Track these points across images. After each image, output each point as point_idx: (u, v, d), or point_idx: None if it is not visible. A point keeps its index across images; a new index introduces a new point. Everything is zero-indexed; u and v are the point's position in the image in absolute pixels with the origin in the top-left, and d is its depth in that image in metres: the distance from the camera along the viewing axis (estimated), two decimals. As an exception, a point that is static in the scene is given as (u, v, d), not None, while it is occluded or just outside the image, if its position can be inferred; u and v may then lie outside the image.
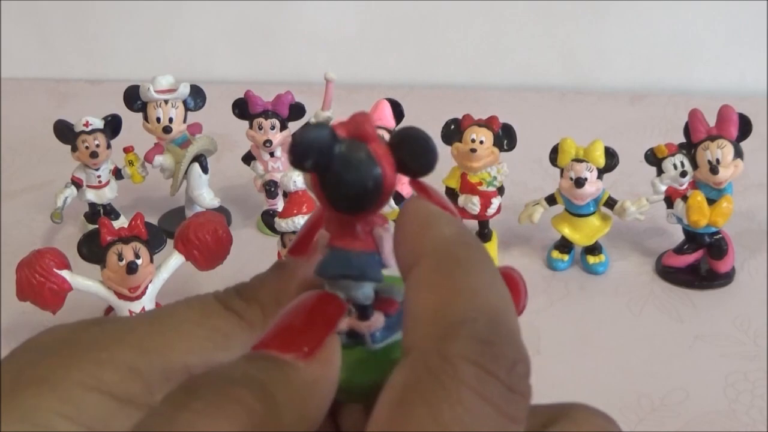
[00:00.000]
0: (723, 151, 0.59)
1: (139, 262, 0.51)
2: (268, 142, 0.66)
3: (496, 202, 0.64)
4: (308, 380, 0.19)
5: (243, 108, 0.67)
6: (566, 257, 0.64)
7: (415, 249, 0.19)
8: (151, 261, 0.53)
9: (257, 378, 0.18)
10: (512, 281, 0.23)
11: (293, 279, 0.22)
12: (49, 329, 0.22)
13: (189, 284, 0.62)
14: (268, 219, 0.53)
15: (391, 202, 0.65)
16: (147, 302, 0.54)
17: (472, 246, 0.19)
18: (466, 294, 0.18)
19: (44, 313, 0.53)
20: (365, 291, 0.23)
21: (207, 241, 0.53)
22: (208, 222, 0.54)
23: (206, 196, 0.70)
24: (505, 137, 0.63)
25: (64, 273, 0.52)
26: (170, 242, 0.64)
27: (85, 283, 0.53)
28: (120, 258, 0.51)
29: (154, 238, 0.57)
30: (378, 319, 0.24)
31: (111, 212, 0.70)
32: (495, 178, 0.63)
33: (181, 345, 0.21)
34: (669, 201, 0.62)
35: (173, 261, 0.54)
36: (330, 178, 0.20)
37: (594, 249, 0.64)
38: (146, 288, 0.54)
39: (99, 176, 0.67)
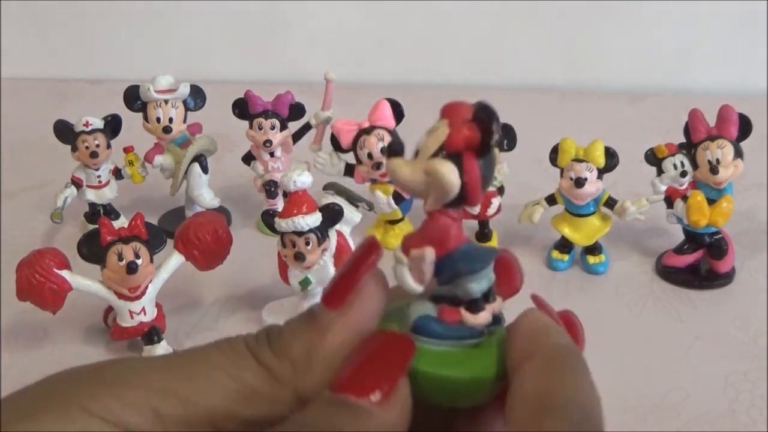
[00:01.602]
0: (723, 151, 0.59)
1: (139, 262, 0.51)
2: (268, 142, 0.66)
3: (496, 202, 0.64)
4: (383, 425, 0.21)
5: (243, 108, 0.67)
6: (566, 257, 0.64)
7: (530, 347, 0.23)
8: (151, 261, 0.53)
9: (337, 427, 0.20)
10: (507, 263, 0.27)
11: (327, 334, 0.22)
12: (77, 367, 0.22)
13: (189, 284, 0.62)
14: (268, 219, 0.53)
15: (392, 202, 0.65)
16: (147, 302, 0.54)
17: (578, 356, 0.23)
18: (568, 390, 0.21)
19: (44, 313, 0.53)
20: (482, 283, 0.25)
21: (207, 241, 0.53)
22: (208, 222, 0.54)
23: (206, 196, 0.70)
24: (505, 137, 0.63)
25: (64, 273, 0.52)
26: (170, 242, 0.64)
27: (85, 283, 0.53)
28: (120, 258, 0.51)
29: (154, 238, 0.57)
30: (488, 313, 0.25)
31: (111, 212, 0.70)
32: (495, 178, 0.63)
33: (208, 395, 0.21)
34: (669, 201, 0.62)
35: (173, 261, 0.54)
36: (487, 166, 0.23)
37: (594, 249, 0.64)
38: (146, 288, 0.54)
39: (99, 176, 0.67)
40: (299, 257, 0.52)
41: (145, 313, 0.54)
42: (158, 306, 0.56)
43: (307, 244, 0.51)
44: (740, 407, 0.50)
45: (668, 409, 0.49)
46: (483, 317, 0.25)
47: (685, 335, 0.57)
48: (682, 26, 1.00)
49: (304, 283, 0.54)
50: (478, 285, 0.25)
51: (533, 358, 0.23)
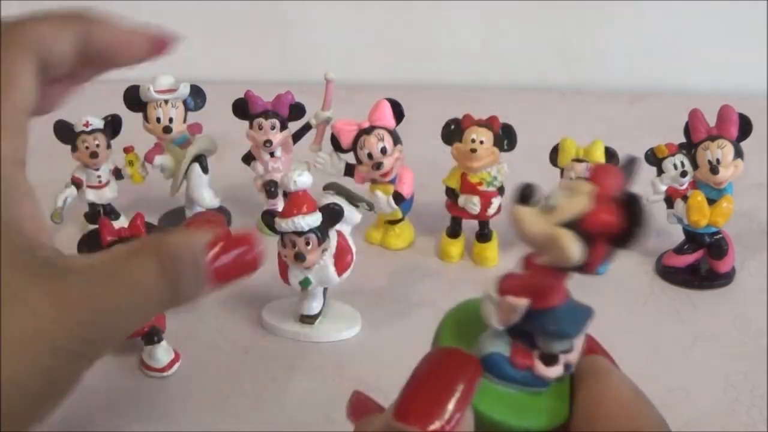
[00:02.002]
0: (723, 151, 0.59)
1: None
2: (268, 142, 0.66)
3: (496, 202, 0.64)
4: None
5: (243, 108, 0.67)
6: (566, 257, 0.64)
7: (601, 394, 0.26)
8: None
9: None
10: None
11: None
12: None
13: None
14: (268, 219, 0.53)
15: (392, 202, 0.65)
16: None
17: (646, 401, 0.27)
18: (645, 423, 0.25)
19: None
20: (565, 345, 0.25)
21: None
22: (207, 222, 0.54)
23: (206, 196, 0.70)
24: (505, 137, 0.63)
25: None
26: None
27: None
28: None
29: None
30: (561, 367, 0.25)
31: (111, 212, 0.70)
32: (495, 178, 0.63)
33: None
34: (669, 201, 0.62)
35: None
36: (639, 222, 0.23)
37: (594, 249, 0.64)
38: None
39: (99, 176, 0.67)
40: (299, 257, 0.52)
41: None
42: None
43: (308, 244, 0.52)
44: (740, 407, 0.50)
45: (668, 409, 0.49)
46: (555, 371, 0.25)
47: (685, 335, 0.57)
48: (682, 26, 1.00)
49: (304, 283, 0.54)
50: (560, 346, 0.24)
51: (610, 397, 0.25)
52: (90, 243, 0.51)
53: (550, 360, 0.24)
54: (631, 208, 0.23)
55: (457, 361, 0.23)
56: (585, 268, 0.23)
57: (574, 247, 0.23)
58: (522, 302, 0.24)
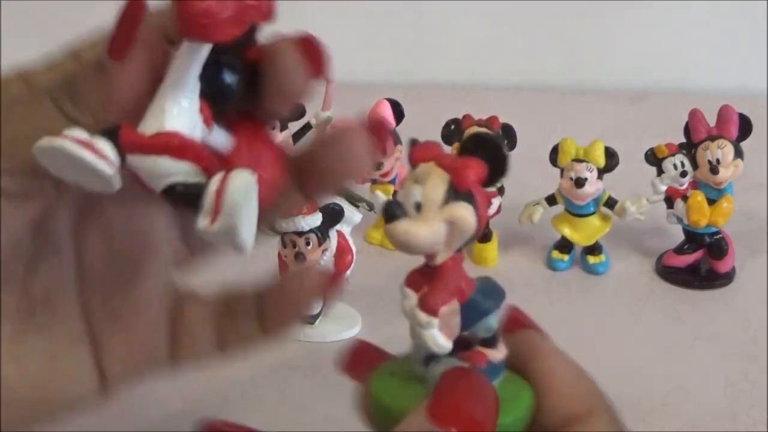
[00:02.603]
0: (723, 151, 0.59)
1: None
2: (268, 142, 0.66)
3: (496, 202, 0.64)
4: None
5: (243, 108, 0.67)
6: (566, 257, 0.64)
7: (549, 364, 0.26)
8: None
9: None
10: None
11: (116, 83, 0.24)
12: None
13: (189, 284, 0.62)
14: (268, 219, 0.53)
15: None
16: None
17: (587, 375, 0.27)
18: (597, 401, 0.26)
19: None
20: (498, 313, 0.25)
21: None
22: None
23: (206, 196, 0.70)
24: (505, 137, 0.63)
25: None
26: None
27: None
28: None
29: None
30: (503, 345, 0.25)
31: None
32: (495, 178, 0.63)
33: (19, 147, 0.24)
34: (669, 201, 0.62)
35: None
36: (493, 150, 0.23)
37: (594, 249, 0.64)
38: None
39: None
40: (299, 257, 0.52)
41: None
42: None
43: (308, 244, 0.52)
44: (740, 407, 0.50)
45: (668, 409, 0.49)
46: (503, 349, 0.25)
47: (685, 335, 0.57)
48: (682, 26, 1.00)
49: (304, 283, 0.54)
50: (495, 317, 0.25)
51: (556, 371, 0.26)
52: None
53: (493, 341, 0.25)
54: (478, 144, 0.23)
55: (473, 374, 0.24)
56: (480, 224, 0.23)
57: (468, 214, 0.23)
58: (454, 302, 0.24)
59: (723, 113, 0.60)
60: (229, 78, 0.24)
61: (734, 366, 0.53)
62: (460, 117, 0.63)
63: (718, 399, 0.50)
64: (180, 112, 0.23)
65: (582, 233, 0.63)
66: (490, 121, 0.63)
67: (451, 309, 0.23)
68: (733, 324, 0.57)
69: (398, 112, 0.64)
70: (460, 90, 0.99)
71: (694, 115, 0.60)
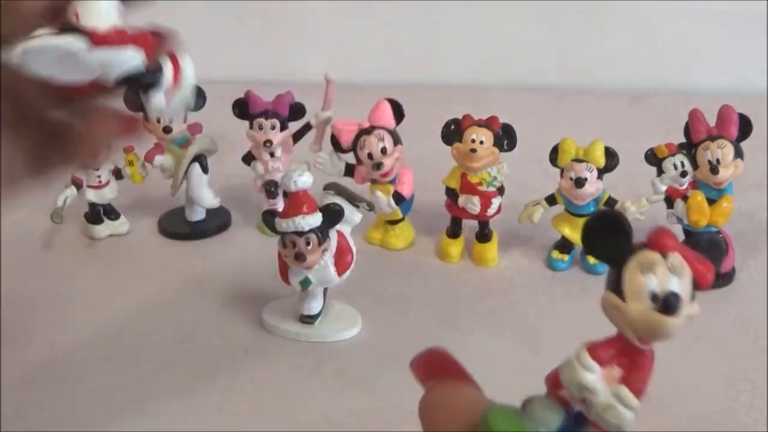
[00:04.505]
0: (723, 151, 0.59)
1: None
2: (268, 142, 0.66)
3: (496, 202, 0.64)
4: None
5: (243, 108, 0.67)
6: (566, 257, 0.64)
7: None
8: None
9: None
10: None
11: None
12: None
13: (189, 284, 0.62)
14: (268, 219, 0.53)
15: (392, 202, 0.65)
16: None
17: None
18: None
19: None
20: None
21: None
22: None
23: (206, 196, 0.70)
24: (505, 137, 0.63)
25: None
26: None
27: None
28: None
29: None
30: None
31: (111, 212, 0.70)
32: (495, 178, 0.63)
33: None
34: (669, 201, 0.62)
35: None
36: None
37: (594, 249, 0.64)
38: None
39: (99, 176, 0.68)
40: (300, 257, 0.52)
41: None
42: None
43: (308, 244, 0.51)
44: (740, 407, 0.50)
45: (668, 409, 0.49)
46: None
47: (685, 335, 0.56)
48: (682, 26, 1.00)
49: (305, 284, 0.54)
50: None
51: None
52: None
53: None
54: (706, 245, 0.27)
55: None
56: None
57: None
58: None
59: (723, 113, 0.60)
60: None
61: (734, 366, 0.53)
62: (460, 117, 0.63)
63: (718, 399, 0.50)
64: (111, 6, 0.31)
65: (582, 233, 0.63)
66: (490, 121, 0.63)
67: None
68: (733, 324, 0.57)
69: (398, 112, 0.64)
70: (460, 90, 0.99)
71: (694, 115, 0.60)
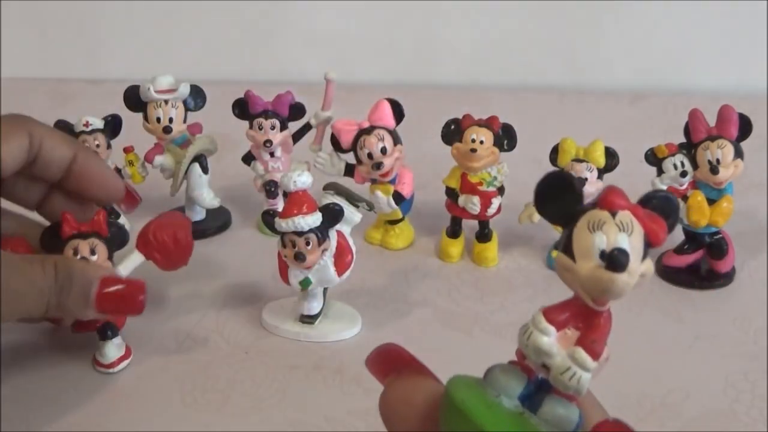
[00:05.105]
0: (723, 151, 0.59)
1: (94, 258, 0.50)
2: (268, 142, 0.66)
3: (496, 202, 0.64)
4: None
5: (243, 108, 0.67)
6: (566, 257, 0.64)
7: None
8: (110, 258, 0.51)
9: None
10: None
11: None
12: None
13: (189, 284, 0.62)
14: (268, 219, 0.53)
15: (392, 202, 0.65)
16: None
17: None
18: None
19: None
20: None
21: (167, 243, 0.51)
22: (169, 225, 0.52)
23: (206, 196, 0.70)
24: (506, 137, 0.63)
25: None
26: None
27: None
28: (75, 253, 0.50)
29: (118, 237, 0.55)
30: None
31: (111, 212, 0.70)
32: (495, 178, 0.63)
33: None
34: (669, 201, 0.62)
35: (133, 259, 0.51)
36: None
37: (594, 249, 0.64)
38: None
39: (99, 176, 0.67)
40: (299, 257, 0.52)
41: None
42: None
43: (308, 244, 0.51)
44: (740, 407, 0.50)
45: (668, 409, 0.49)
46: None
47: (685, 335, 0.57)
48: (682, 26, 1.00)
49: (304, 284, 0.54)
50: None
51: None
52: (51, 234, 0.51)
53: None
54: (658, 202, 0.27)
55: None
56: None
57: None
58: (608, 352, 0.26)
59: (723, 113, 0.60)
60: None
61: (734, 366, 0.53)
62: (460, 117, 0.63)
63: (718, 399, 0.50)
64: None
65: (582, 233, 0.63)
66: (490, 121, 0.63)
67: (605, 356, 0.25)
68: (733, 324, 0.57)
69: (398, 112, 0.64)
70: (460, 90, 0.99)
71: (694, 115, 0.60)
